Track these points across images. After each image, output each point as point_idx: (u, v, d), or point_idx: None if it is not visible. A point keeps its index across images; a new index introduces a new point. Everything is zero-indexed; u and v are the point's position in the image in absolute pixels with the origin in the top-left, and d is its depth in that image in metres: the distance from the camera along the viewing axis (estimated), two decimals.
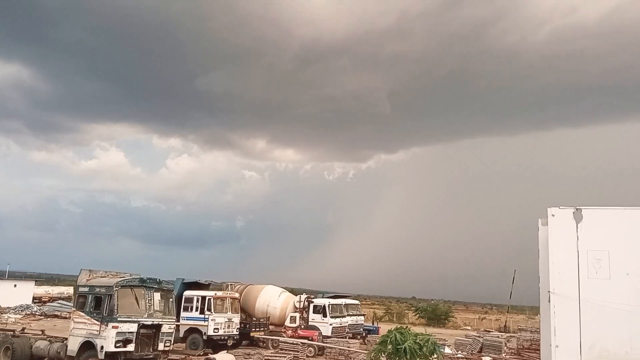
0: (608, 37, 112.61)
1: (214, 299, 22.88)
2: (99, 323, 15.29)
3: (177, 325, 20.54)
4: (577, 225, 8.10)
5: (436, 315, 52.40)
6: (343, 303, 28.95)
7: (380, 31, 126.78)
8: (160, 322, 16.20)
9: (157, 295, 16.53)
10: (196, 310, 22.83)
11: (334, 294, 30.97)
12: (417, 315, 54.30)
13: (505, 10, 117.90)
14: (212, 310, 22.58)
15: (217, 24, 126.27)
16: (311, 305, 27.14)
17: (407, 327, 13.30)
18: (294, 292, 34.39)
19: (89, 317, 15.63)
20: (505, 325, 43.56)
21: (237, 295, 25.33)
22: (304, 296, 28.48)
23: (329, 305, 27.00)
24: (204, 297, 22.91)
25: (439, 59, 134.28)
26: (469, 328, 46.45)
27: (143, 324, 15.68)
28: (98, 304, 15.64)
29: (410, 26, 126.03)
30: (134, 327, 15.37)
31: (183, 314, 22.75)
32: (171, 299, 17.32)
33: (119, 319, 15.15)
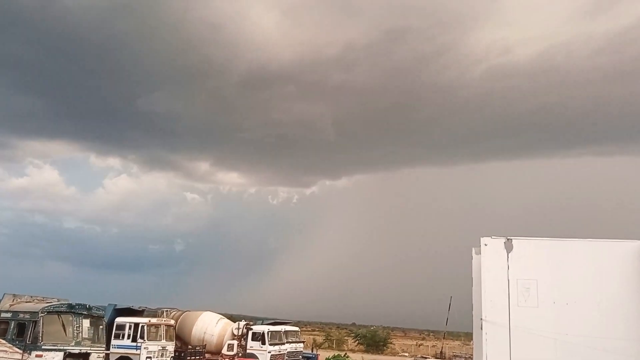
0: (538, 77, 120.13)
1: (147, 326, 22.04)
2: (21, 352, 14.42)
3: (107, 354, 19.61)
4: (507, 255, 8.44)
5: (375, 342, 52.61)
6: (282, 330, 28.56)
7: (326, 60, 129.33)
8: (89, 351, 15.49)
9: (86, 322, 15.82)
10: (128, 338, 21.88)
11: (273, 321, 30.56)
12: (357, 341, 54.35)
13: (445, 48, 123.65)
14: (145, 338, 21.72)
15: (163, 45, 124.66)
16: (250, 333, 26.60)
17: (345, 354, 13.30)
18: (233, 318, 33.66)
19: (11, 346, 14.71)
20: (441, 352, 44.31)
21: (172, 322, 24.52)
22: (242, 323, 27.91)
23: (268, 332, 26.57)
24: (136, 324, 22.03)
25: (383, 90, 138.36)
26: (407, 354, 46.91)
27: (70, 353, 14.93)
28: (21, 331, 14.78)
29: (355, 57, 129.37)
30: (59, 356, 14.62)
31: (114, 341, 21.74)
32: (101, 326, 16.62)
33: (43, 347, 14.36)
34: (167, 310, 26.98)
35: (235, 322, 29.01)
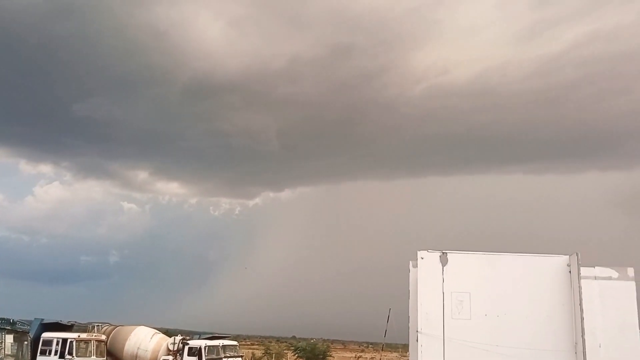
0: (475, 97, 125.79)
1: (76, 341, 20.98)
2: None
3: None
4: (443, 268, 8.66)
5: (314, 355, 52.43)
6: (220, 344, 27.95)
7: (272, 72, 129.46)
8: None
9: (9, 338, 14.90)
10: (55, 354, 20.74)
11: (211, 335, 29.86)
12: (296, 355, 54.02)
13: (388, 66, 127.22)
14: (74, 355, 20.67)
15: (104, 49, 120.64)
16: (186, 348, 25.87)
17: None
18: (169, 333, 32.67)
19: None
20: None
21: (103, 337, 23.50)
22: (178, 338, 27.12)
23: (205, 347, 25.91)
24: (64, 340, 20.91)
25: (327, 104, 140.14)
26: None
27: None
28: None
29: (301, 70, 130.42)
30: None
31: (40, 358, 20.53)
32: (26, 342, 15.74)
33: None
34: (98, 325, 25.86)
35: (170, 336, 28.19)
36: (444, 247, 8.89)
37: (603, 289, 8.25)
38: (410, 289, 9.13)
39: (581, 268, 8.16)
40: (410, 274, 9.19)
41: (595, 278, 8.29)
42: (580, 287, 8.02)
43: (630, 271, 8.45)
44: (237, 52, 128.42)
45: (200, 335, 29.50)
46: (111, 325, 26.87)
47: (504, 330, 8.27)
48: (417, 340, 8.34)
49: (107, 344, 23.75)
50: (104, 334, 24.50)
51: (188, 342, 26.58)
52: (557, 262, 8.45)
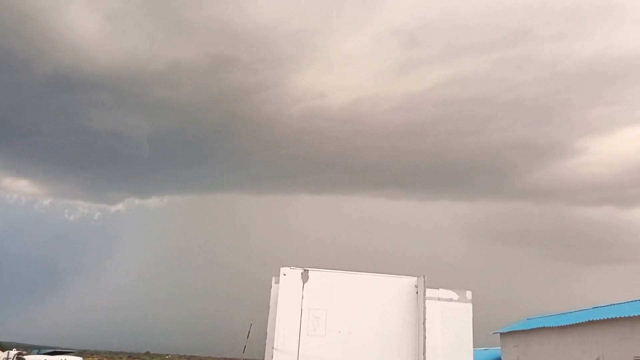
0: (346, 123, 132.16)
1: None
2: None
3: None
4: (303, 285, 8.85)
5: None
6: None
7: (149, 74, 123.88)
8: None
9: None
10: None
11: (52, 350, 27.41)
12: None
13: (267, 84, 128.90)
14: None
15: None
16: None
17: None
18: (2, 346, 29.42)
19: None
20: None
21: None
22: (13, 352, 24.54)
23: None
24: None
25: (205, 113, 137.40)
26: None
27: None
28: None
29: (180, 76, 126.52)
30: None
31: None
32: None
33: None
34: None
35: (4, 350, 25.50)
36: (308, 265, 9.09)
37: (444, 309, 8.98)
38: (270, 305, 9.19)
39: (427, 289, 8.81)
40: (272, 289, 9.26)
41: (439, 299, 9.01)
42: (425, 308, 8.65)
43: (469, 294, 9.30)
44: (112, 48, 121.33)
45: (39, 350, 27.06)
46: None
47: (355, 346, 8.62)
48: (272, 357, 8.38)
49: None
50: None
51: (24, 356, 24.24)
52: (406, 283, 9.04)
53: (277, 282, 9.05)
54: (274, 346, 8.42)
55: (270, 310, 9.19)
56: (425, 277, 8.90)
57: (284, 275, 8.94)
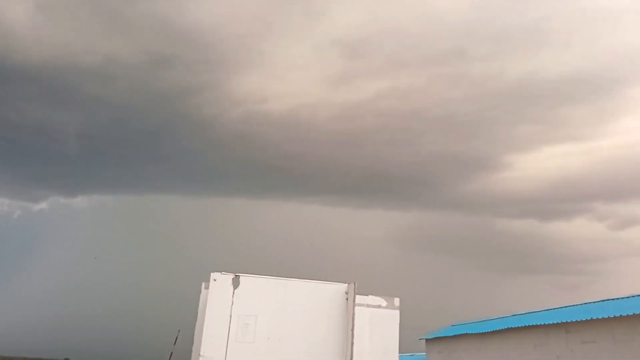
0: (287, 128, 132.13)
1: None
2: None
3: None
4: (233, 291, 8.74)
5: None
6: None
7: (82, 69, 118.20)
8: None
9: None
10: None
11: None
12: None
13: (208, 85, 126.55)
14: None
15: None
16: None
17: None
18: None
19: None
20: None
21: None
22: None
23: None
24: None
25: (141, 112, 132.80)
26: None
27: None
28: None
29: (116, 72, 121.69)
30: None
31: None
32: None
33: None
34: None
35: None
36: (239, 270, 8.98)
37: (373, 316, 9.15)
38: (199, 311, 9.00)
39: (357, 296, 8.94)
40: (202, 295, 9.08)
41: (368, 306, 9.17)
42: (354, 314, 8.78)
43: (397, 301, 9.52)
44: (43, 39, 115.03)
45: None
46: None
47: (284, 352, 8.60)
48: None
49: None
50: None
51: None
52: (336, 290, 9.15)
53: (207, 287, 8.89)
54: (201, 353, 8.26)
55: (198, 316, 9.01)
56: (356, 284, 9.04)
57: (215, 280, 8.79)
